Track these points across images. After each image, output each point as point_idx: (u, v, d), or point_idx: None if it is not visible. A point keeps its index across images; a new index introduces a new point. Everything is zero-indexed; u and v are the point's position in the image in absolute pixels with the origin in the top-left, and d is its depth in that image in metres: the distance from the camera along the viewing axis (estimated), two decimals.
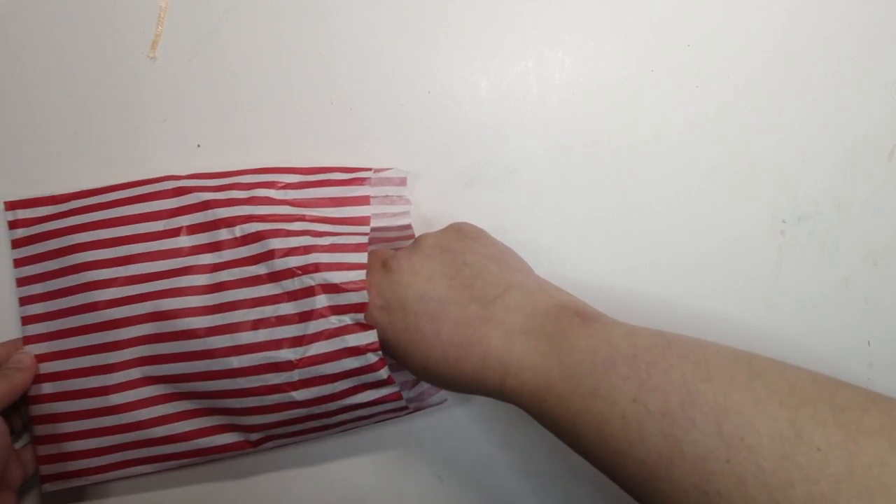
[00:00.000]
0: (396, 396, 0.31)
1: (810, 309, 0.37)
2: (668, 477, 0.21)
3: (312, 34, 0.37)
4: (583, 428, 0.23)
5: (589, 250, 0.37)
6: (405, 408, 0.32)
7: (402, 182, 0.36)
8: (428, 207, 0.36)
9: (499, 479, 0.36)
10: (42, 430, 0.32)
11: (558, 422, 0.25)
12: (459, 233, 0.30)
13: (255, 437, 0.32)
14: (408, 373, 0.34)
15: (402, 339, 0.28)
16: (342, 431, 0.34)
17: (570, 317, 0.26)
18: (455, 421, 0.36)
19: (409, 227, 0.36)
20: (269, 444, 0.33)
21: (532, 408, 0.26)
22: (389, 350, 0.30)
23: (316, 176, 0.34)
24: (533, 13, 0.37)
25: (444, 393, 0.34)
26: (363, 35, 0.37)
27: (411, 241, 0.31)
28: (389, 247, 0.35)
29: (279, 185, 0.34)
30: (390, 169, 0.36)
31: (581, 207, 0.37)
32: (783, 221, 0.37)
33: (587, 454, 0.24)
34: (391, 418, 0.33)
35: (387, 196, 0.35)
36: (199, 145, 0.36)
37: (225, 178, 0.34)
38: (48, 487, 0.32)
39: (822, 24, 0.38)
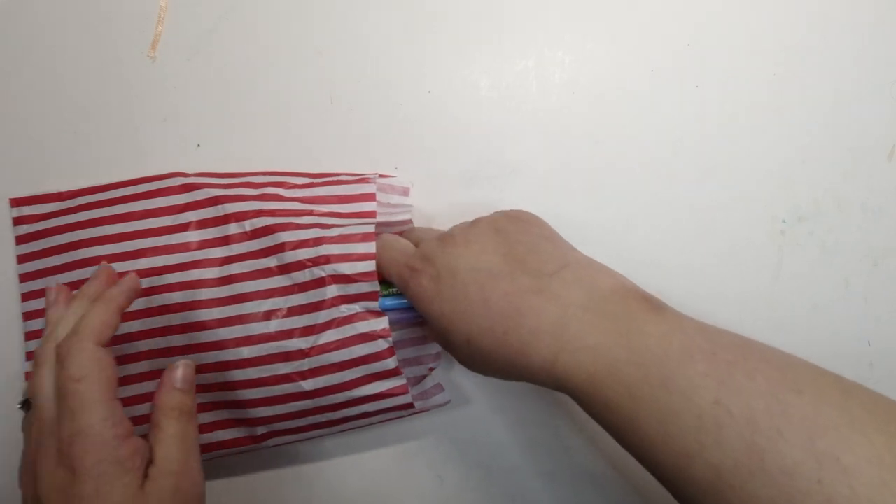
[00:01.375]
0: (403, 390, 0.31)
1: (810, 309, 0.37)
2: (741, 487, 0.20)
3: (312, 34, 0.37)
4: (647, 421, 0.22)
5: (589, 250, 0.36)
6: (411, 405, 0.32)
7: (405, 192, 0.36)
8: (428, 207, 0.36)
9: (499, 479, 0.36)
10: None
11: (616, 411, 0.23)
12: (511, 216, 0.30)
13: (259, 431, 0.32)
14: (410, 371, 0.34)
15: (448, 308, 0.27)
16: (346, 430, 0.34)
17: (637, 300, 0.24)
18: (455, 421, 0.36)
19: (409, 222, 0.36)
20: (273, 441, 0.33)
21: (585, 391, 0.23)
22: (433, 323, 0.28)
23: (324, 179, 0.35)
24: (533, 13, 0.37)
25: (447, 393, 0.34)
26: (363, 35, 0.37)
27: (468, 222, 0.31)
28: None
29: (288, 185, 0.34)
30: (394, 176, 0.36)
31: (581, 207, 0.37)
32: (783, 221, 0.37)
33: (641, 449, 0.22)
34: (396, 418, 0.33)
35: (388, 203, 0.35)
36: (199, 145, 0.36)
37: (234, 178, 0.35)
38: None
39: (822, 24, 0.38)
